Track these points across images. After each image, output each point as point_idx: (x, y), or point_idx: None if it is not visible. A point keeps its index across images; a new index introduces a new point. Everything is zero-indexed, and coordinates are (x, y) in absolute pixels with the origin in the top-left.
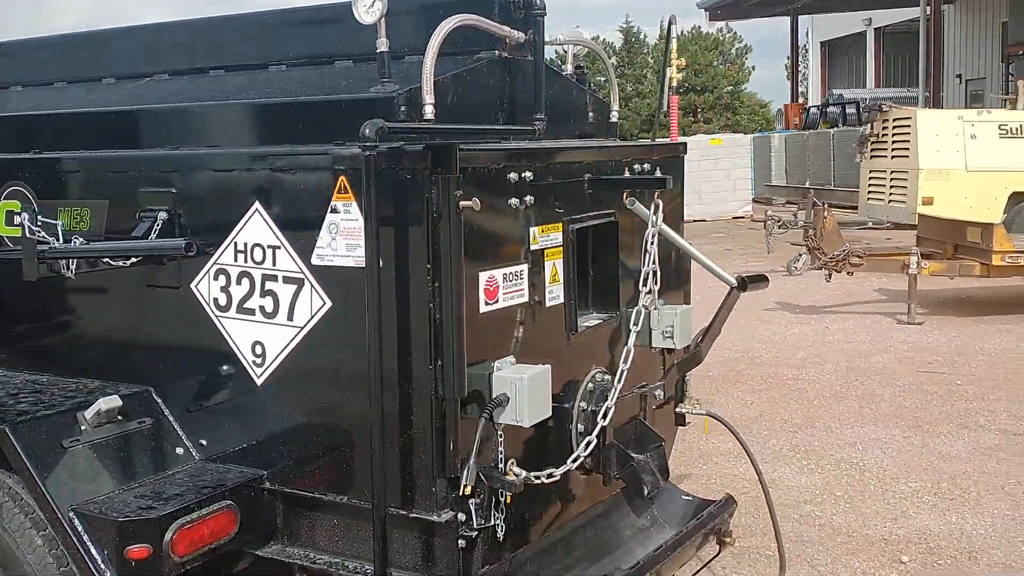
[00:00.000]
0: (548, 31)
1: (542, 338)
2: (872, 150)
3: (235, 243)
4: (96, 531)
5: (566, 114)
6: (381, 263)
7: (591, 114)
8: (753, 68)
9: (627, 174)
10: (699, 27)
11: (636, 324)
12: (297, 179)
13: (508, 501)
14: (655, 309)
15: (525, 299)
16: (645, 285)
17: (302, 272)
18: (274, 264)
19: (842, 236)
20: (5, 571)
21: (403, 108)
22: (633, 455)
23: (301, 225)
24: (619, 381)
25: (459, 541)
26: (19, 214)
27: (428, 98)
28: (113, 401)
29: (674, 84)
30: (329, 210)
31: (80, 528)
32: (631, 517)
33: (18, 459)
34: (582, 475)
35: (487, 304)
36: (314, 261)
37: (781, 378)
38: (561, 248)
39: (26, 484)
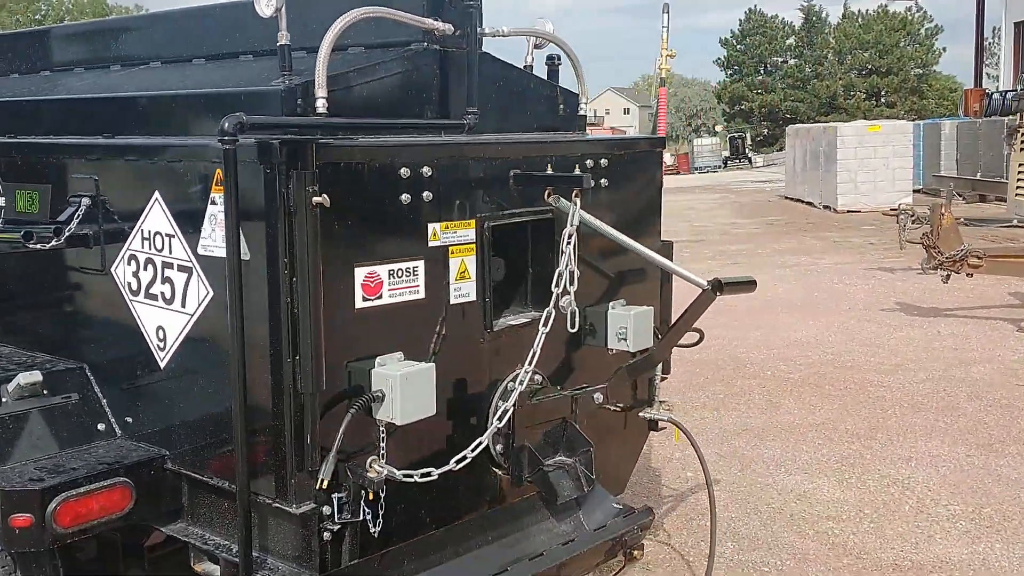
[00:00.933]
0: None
1: (450, 336)
2: (1022, 142)
3: (142, 230)
4: None
5: (522, 107)
6: (247, 255)
7: (560, 107)
8: (943, 49)
9: (549, 170)
10: (885, 6)
11: (546, 326)
12: (185, 170)
13: (372, 497)
14: (613, 310)
15: (421, 296)
16: (558, 286)
17: (191, 261)
18: (170, 252)
19: (960, 235)
20: None
21: (299, 101)
22: (544, 459)
23: (190, 216)
24: (520, 384)
25: (323, 533)
26: None
27: (320, 92)
28: (33, 376)
29: (663, 76)
30: (210, 202)
31: None
32: (549, 521)
33: None
34: (503, 475)
35: (366, 300)
36: (200, 251)
37: (864, 384)
38: (473, 245)
39: None
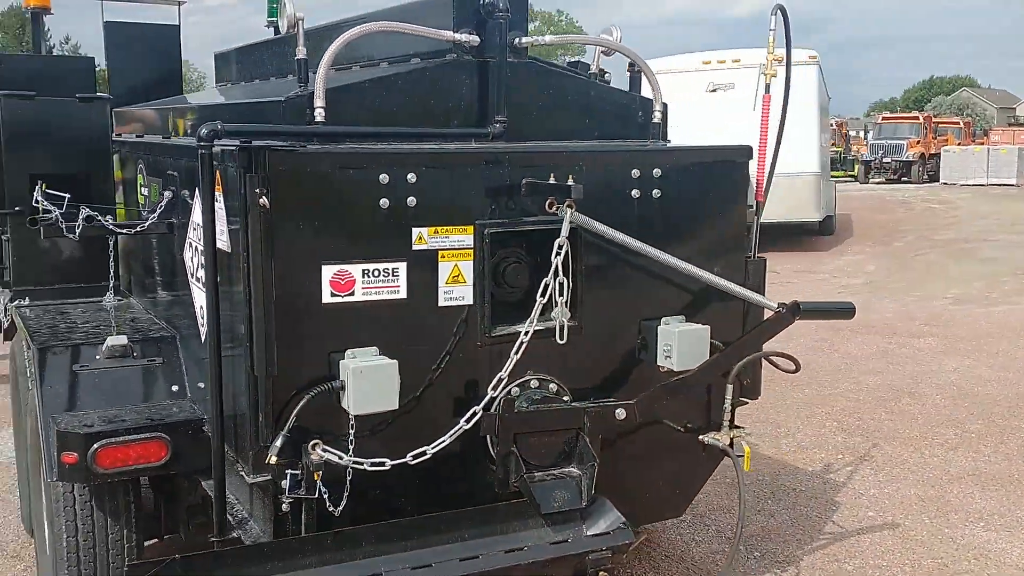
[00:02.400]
0: None
1: (438, 337)
2: None
3: (194, 222)
4: (50, 434)
5: (581, 115)
6: (228, 248)
7: (639, 115)
8: None
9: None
10: None
11: (527, 333)
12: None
13: (316, 478)
14: (663, 325)
15: (401, 296)
16: (543, 296)
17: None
18: (201, 242)
19: None
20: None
21: (307, 111)
22: (539, 468)
23: (213, 210)
24: (494, 388)
25: (282, 504)
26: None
27: (318, 102)
28: (119, 339)
29: (768, 82)
30: (216, 199)
31: (49, 430)
32: (543, 530)
33: (36, 374)
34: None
35: (334, 296)
36: (217, 244)
37: None
38: (470, 250)
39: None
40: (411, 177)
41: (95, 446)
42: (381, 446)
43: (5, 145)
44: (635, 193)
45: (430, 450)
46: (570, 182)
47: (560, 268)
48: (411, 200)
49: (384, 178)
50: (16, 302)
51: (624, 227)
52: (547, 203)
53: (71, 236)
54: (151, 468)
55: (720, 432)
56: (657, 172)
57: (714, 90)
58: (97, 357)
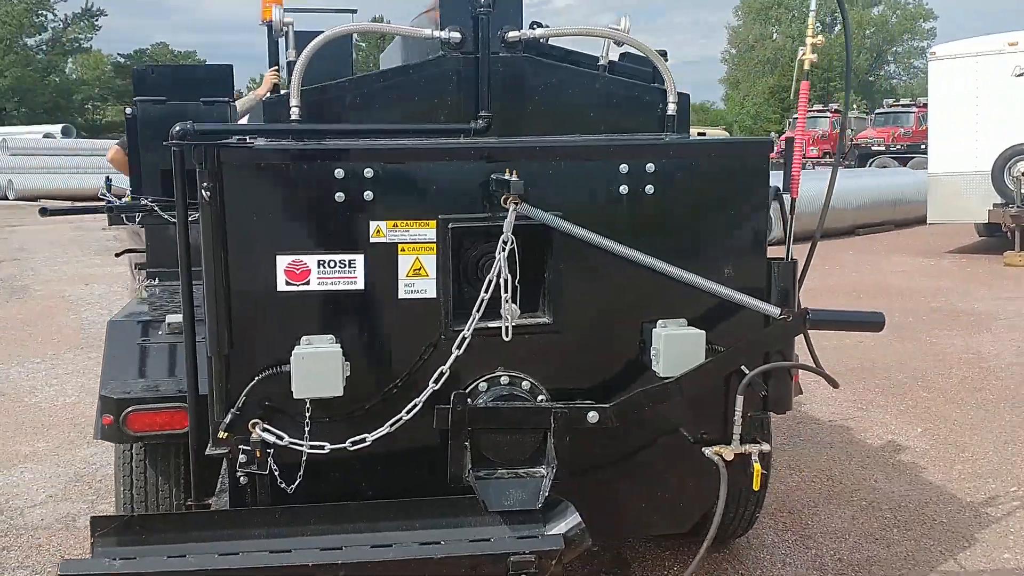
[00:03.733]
0: None
1: (398, 329)
2: None
3: None
4: (99, 398)
5: (585, 108)
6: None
7: (660, 107)
8: None
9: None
10: None
11: (468, 333)
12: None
13: (258, 454)
14: (656, 328)
15: (359, 287)
16: (487, 292)
17: None
18: None
19: None
20: None
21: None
22: (494, 464)
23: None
24: (435, 381)
25: (240, 477)
26: None
27: (293, 101)
28: (176, 318)
29: (807, 67)
30: None
31: (100, 395)
32: (495, 527)
33: (105, 345)
34: None
35: (289, 284)
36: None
37: None
38: (433, 244)
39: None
40: (368, 172)
41: (127, 410)
42: (345, 431)
43: (141, 144)
44: (623, 189)
45: (370, 438)
46: (512, 177)
47: (505, 265)
48: (368, 194)
49: (339, 173)
50: (147, 282)
51: (611, 225)
52: (503, 198)
53: (131, 223)
54: (176, 434)
55: (728, 446)
56: (650, 167)
57: (1021, 74)
58: (160, 332)
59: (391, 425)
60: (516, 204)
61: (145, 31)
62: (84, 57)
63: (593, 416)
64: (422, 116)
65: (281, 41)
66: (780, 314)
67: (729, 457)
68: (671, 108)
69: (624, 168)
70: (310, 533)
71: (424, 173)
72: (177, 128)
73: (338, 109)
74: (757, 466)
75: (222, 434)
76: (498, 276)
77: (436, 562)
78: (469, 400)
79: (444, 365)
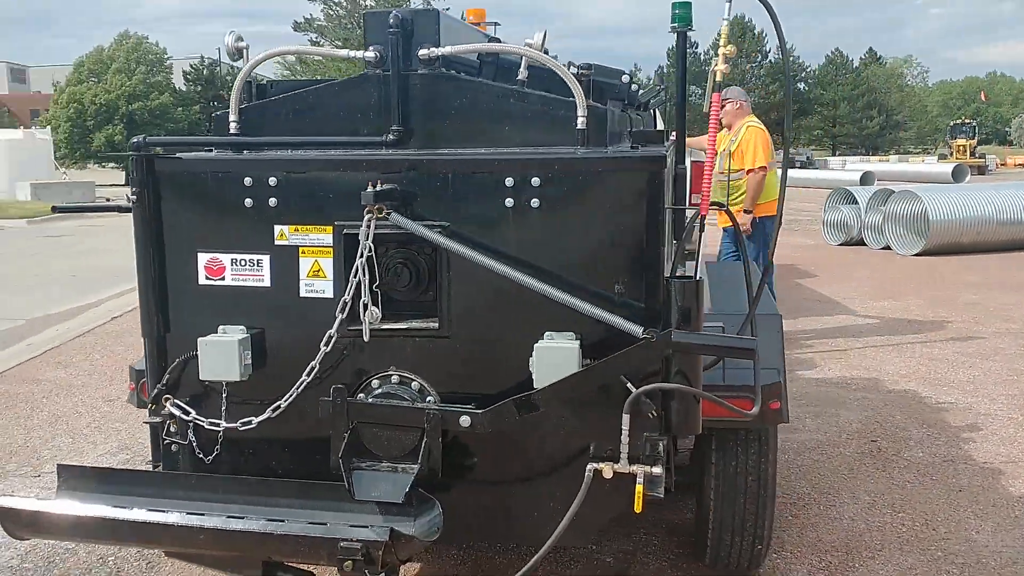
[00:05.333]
0: None
1: (300, 323)
2: None
3: None
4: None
5: (500, 123)
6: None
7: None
8: None
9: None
10: None
11: (334, 332)
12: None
13: (172, 426)
14: (540, 340)
15: (266, 284)
16: (347, 295)
17: None
18: None
19: None
20: None
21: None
22: (375, 456)
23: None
24: (308, 374)
25: (172, 445)
26: None
27: (232, 116)
28: None
29: (719, 79)
30: None
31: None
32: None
33: None
34: None
35: (208, 279)
36: None
37: None
38: (330, 248)
39: None
40: (272, 180)
41: (142, 380)
42: (251, 413)
43: None
44: (508, 202)
45: (256, 420)
46: (370, 188)
47: (363, 271)
48: (272, 200)
49: (248, 181)
50: None
51: (498, 238)
52: (376, 208)
53: None
54: None
55: (610, 463)
56: (535, 180)
57: None
58: None
59: (272, 411)
60: (373, 214)
61: None
62: None
63: (465, 420)
64: (350, 129)
65: None
66: (642, 334)
67: (608, 475)
68: (580, 122)
69: (509, 181)
70: (204, 499)
71: (321, 183)
72: (137, 139)
73: (278, 121)
74: (639, 487)
75: (148, 405)
76: (354, 278)
77: (275, 537)
78: (354, 395)
79: (314, 360)
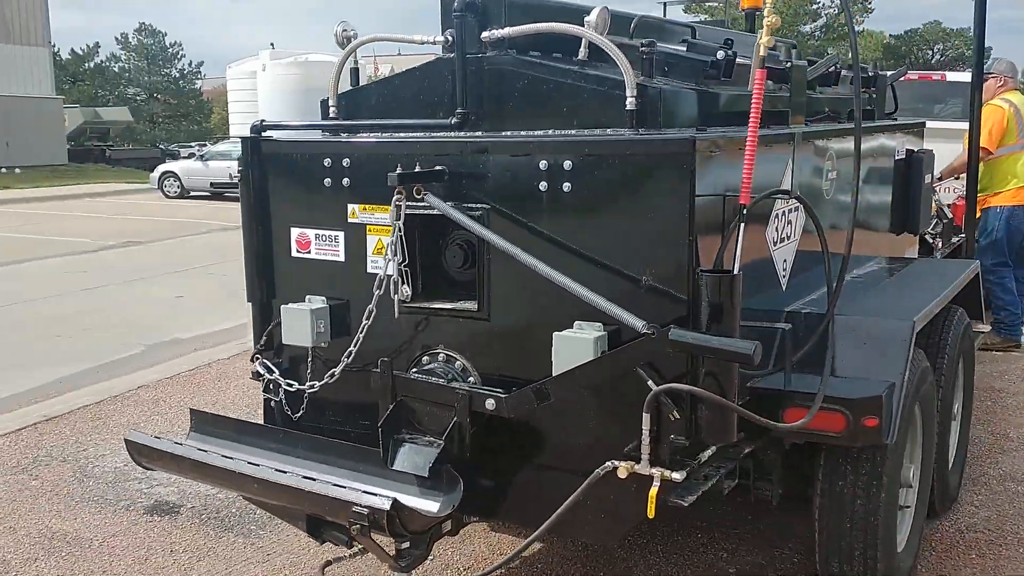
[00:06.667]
0: None
1: (368, 298)
2: None
3: None
4: None
5: (558, 104)
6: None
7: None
8: None
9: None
10: None
11: (373, 307)
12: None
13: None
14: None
15: (341, 259)
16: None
17: None
18: None
19: None
20: None
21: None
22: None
23: None
24: (354, 344)
25: (270, 401)
26: None
27: (332, 101)
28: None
29: (763, 53)
30: None
31: None
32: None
33: None
34: None
35: (299, 252)
36: None
37: None
38: (391, 227)
39: None
40: (345, 162)
41: None
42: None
43: None
44: (543, 186)
45: (318, 384)
46: (397, 171)
47: (394, 249)
48: (346, 180)
49: (327, 162)
50: None
51: (533, 222)
52: (414, 190)
53: None
54: None
55: (628, 463)
56: (568, 164)
57: None
58: None
59: (329, 377)
60: (401, 195)
61: None
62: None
63: (491, 404)
64: (428, 113)
65: None
66: (643, 329)
67: (622, 474)
68: (629, 102)
69: (543, 164)
70: (279, 452)
71: (384, 164)
72: (253, 122)
73: (369, 106)
74: (652, 491)
75: (252, 361)
76: (392, 257)
77: (304, 493)
78: (408, 369)
79: (360, 333)
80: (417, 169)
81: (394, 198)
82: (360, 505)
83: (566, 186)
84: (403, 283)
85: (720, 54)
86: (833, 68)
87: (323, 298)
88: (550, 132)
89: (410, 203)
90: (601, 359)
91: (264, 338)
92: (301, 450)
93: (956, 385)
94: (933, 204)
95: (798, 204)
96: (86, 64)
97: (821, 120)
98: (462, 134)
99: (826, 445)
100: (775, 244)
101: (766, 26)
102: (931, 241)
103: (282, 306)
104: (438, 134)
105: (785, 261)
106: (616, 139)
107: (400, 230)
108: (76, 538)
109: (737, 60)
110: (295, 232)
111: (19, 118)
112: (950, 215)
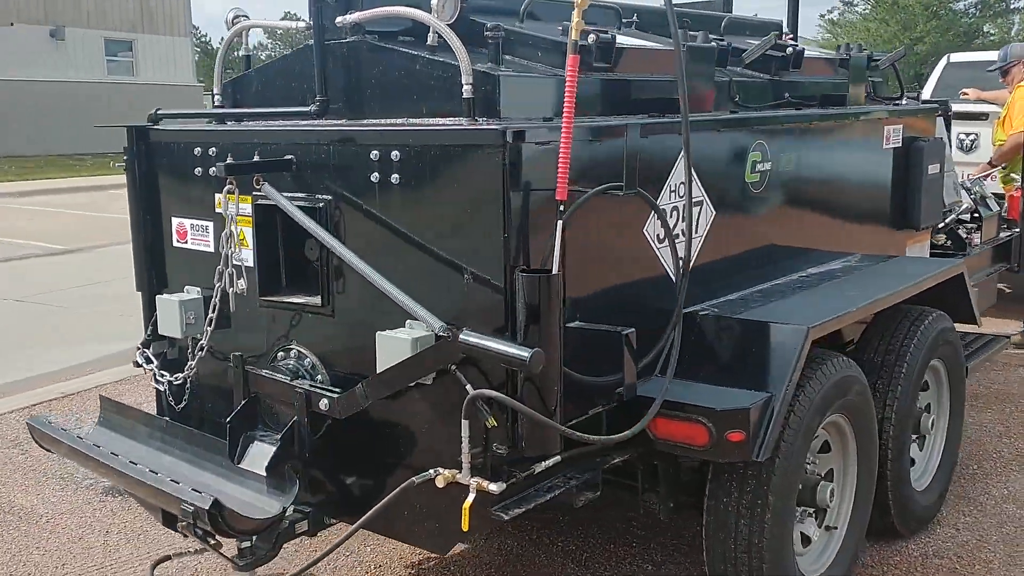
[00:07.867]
0: None
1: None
2: None
3: None
4: None
5: (408, 91)
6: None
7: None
8: None
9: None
10: None
11: (216, 300)
12: None
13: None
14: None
15: (211, 249)
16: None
17: None
18: None
19: None
20: None
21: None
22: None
23: None
24: (204, 337)
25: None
26: None
27: (216, 89)
28: None
29: (574, 37)
30: None
31: None
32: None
33: None
34: None
35: (178, 242)
36: None
37: None
38: (251, 218)
39: None
40: (212, 151)
41: None
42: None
43: None
44: (375, 177)
45: (181, 376)
46: (228, 160)
47: (229, 241)
48: (212, 170)
49: (197, 151)
50: None
51: (367, 215)
52: (254, 180)
53: None
54: None
55: (449, 471)
56: (395, 155)
57: None
58: None
59: (186, 370)
60: (233, 185)
61: None
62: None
63: (324, 404)
64: (301, 99)
65: None
66: (438, 331)
67: (440, 483)
68: (466, 91)
69: (375, 155)
70: (155, 444)
71: (244, 154)
72: (150, 113)
73: (249, 93)
74: (467, 503)
75: (136, 350)
76: (226, 249)
77: (145, 485)
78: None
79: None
80: (256, 159)
81: (224, 188)
82: (186, 502)
83: (395, 178)
84: (239, 276)
85: (591, 38)
86: (789, 51)
87: (199, 289)
88: (399, 121)
89: (260, 195)
90: (406, 361)
91: (150, 329)
92: (179, 442)
93: (936, 395)
94: (968, 196)
95: (702, 198)
96: (235, 52)
97: (785, 107)
98: (305, 123)
99: (713, 462)
100: (660, 240)
101: (576, 7)
102: (964, 236)
103: (157, 296)
104: (289, 122)
105: (681, 259)
106: (434, 130)
107: (234, 221)
108: (29, 513)
109: (621, 45)
110: (175, 222)
111: (162, 104)
112: (994, 207)
